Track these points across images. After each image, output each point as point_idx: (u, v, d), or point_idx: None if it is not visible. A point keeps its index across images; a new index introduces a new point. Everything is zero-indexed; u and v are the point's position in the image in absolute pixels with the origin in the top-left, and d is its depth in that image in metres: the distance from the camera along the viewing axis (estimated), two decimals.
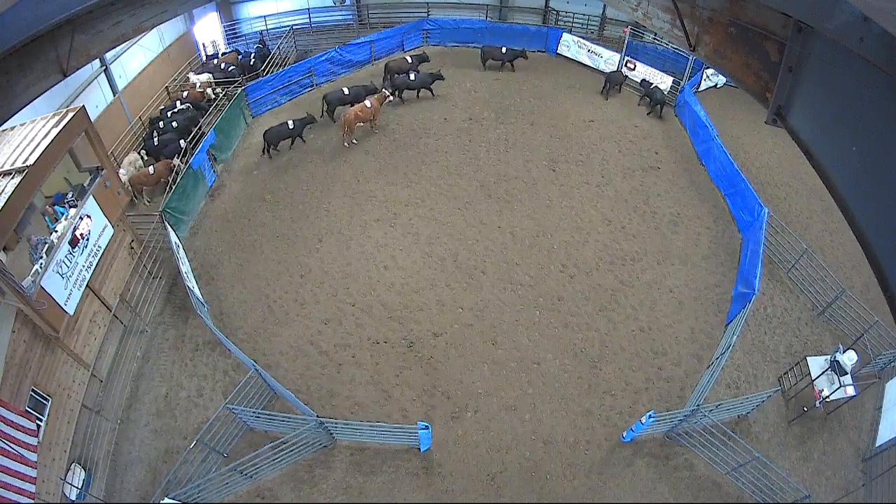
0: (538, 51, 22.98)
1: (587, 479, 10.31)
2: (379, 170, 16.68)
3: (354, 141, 17.59)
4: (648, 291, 13.47)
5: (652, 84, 19.69)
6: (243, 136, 18.26)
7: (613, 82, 20.21)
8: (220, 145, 16.69)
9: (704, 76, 20.43)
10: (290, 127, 17.15)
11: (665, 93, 19.44)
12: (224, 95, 19.17)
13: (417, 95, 19.72)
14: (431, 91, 19.65)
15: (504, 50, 20.86)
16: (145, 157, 16.20)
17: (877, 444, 10.68)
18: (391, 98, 17.88)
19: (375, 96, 17.71)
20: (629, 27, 20.60)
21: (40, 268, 9.61)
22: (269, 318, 12.79)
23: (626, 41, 20.54)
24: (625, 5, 9.36)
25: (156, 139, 16.37)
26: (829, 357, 11.06)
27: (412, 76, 19.22)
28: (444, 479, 10.24)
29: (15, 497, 7.61)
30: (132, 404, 11.29)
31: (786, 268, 13.92)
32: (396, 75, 19.47)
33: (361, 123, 17.64)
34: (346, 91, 18.51)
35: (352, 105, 18.13)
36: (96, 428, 10.46)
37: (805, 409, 11.17)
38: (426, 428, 9.70)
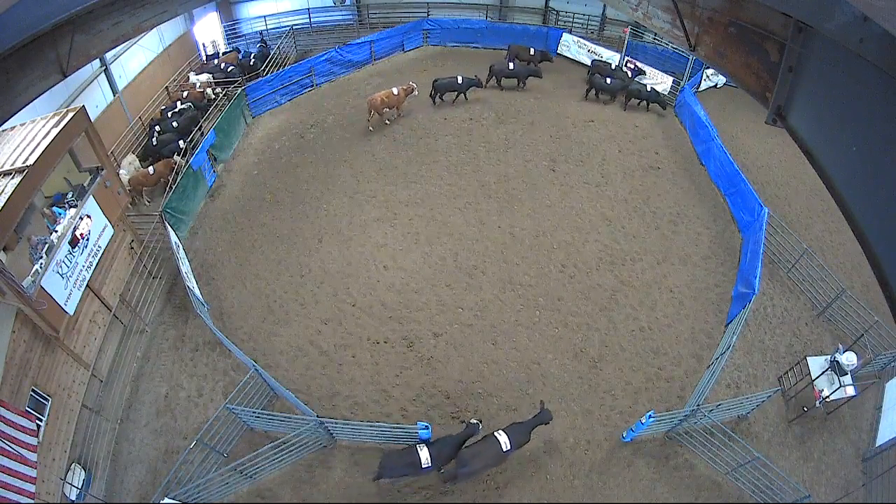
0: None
1: (587, 479, 10.31)
2: (379, 170, 16.67)
3: (381, 124, 18.06)
4: (648, 291, 13.47)
5: (635, 78, 19.90)
6: (243, 136, 18.26)
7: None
8: (220, 145, 16.68)
9: (704, 76, 20.43)
10: (459, 82, 18.79)
11: (648, 89, 19.37)
12: (224, 95, 19.18)
13: (613, 98, 19.74)
14: (613, 97, 19.73)
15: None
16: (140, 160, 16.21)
17: (877, 444, 10.68)
18: (416, 92, 18.42)
19: (402, 87, 18.25)
20: (629, 27, 20.61)
21: (40, 268, 9.61)
22: (269, 318, 12.79)
23: (626, 41, 20.55)
24: (625, 5, 9.37)
25: (155, 139, 16.38)
26: (829, 357, 11.05)
27: (609, 81, 19.42)
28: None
29: (15, 497, 7.63)
30: (132, 404, 11.29)
31: (786, 268, 13.91)
32: (598, 75, 19.77)
33: (388, 109, 18.20)
34: (511, 66, 19.95)
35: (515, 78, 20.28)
36: (96, 428, 10.46)
37: (805, 409, 11.16)
38: (426, 428, 9.71)
